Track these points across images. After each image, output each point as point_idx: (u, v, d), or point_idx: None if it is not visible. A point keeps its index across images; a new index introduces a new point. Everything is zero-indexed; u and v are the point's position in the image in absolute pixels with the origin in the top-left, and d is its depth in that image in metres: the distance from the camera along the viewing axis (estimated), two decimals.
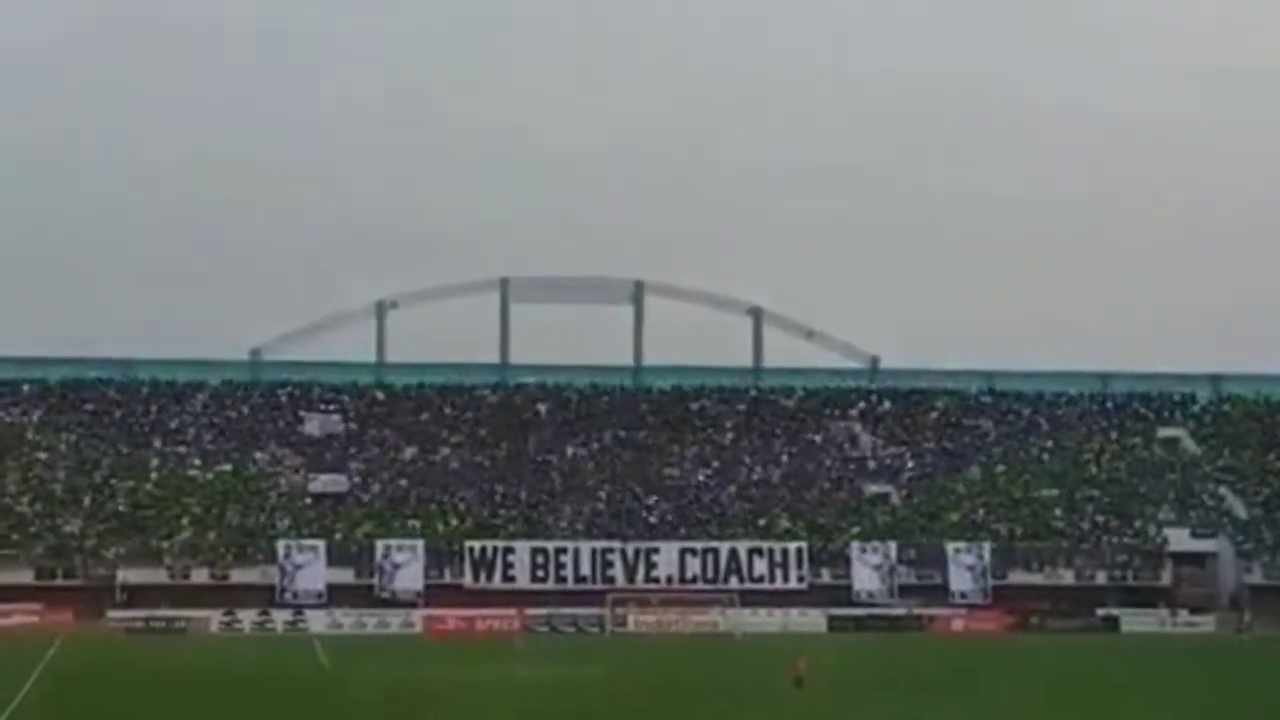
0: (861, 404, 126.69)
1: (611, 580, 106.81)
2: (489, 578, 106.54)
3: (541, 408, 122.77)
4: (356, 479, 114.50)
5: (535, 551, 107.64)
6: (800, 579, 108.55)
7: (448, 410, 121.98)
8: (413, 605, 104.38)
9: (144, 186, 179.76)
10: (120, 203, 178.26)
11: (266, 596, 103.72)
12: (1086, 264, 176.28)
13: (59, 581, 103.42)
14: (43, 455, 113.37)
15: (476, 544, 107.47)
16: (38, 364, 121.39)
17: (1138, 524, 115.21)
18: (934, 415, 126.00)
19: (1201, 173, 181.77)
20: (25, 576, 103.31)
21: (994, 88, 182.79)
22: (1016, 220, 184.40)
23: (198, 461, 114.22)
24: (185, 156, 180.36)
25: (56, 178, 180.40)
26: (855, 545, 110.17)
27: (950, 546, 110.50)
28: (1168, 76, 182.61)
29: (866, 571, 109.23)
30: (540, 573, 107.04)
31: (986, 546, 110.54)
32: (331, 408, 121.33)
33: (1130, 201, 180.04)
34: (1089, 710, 65.93)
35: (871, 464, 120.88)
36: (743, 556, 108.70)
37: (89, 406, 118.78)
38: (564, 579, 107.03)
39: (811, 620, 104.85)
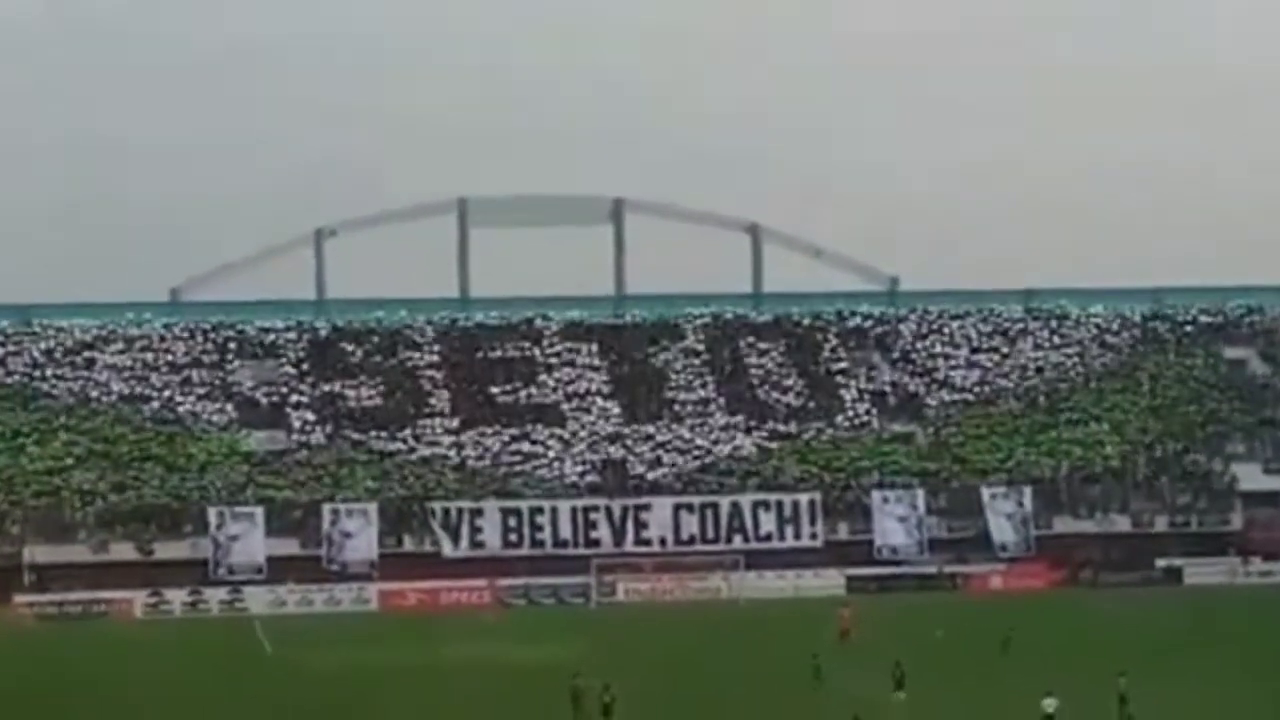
0: (880, 330, 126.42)
1: (596, 543, 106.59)
2: (454, 543, 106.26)
3: (509, 346, 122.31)
4: (297, 434, 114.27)
5: (507, 512, 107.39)
6: (814, 535, 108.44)
7: (400, 352, 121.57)
8: (366, 578, 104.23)
9: (37, 103, 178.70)
10: (16, 125, 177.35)
11: (198, 573, 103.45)
12: (1133, 168, 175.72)
13: None
14: None
15: (439, 505, 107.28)
16: None
17: (1202, 460, 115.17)
18: (963, 341, 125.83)
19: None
20: None
21: None
22: (1050, 116, 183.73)
23: (113, 420, 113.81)
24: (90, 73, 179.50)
25: None
26: (877, 494, 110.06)
27: (986, 492, 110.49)
28: None
29: (890, 524, 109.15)
30: (514, 536, 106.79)
31: (1028, 491, 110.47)
32: (265, 353, 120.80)
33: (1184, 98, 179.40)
34: (1152, 679, 65.94)
35: (893, 399, 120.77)
36: (747, 511, 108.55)
37: None
38: (541, 543, 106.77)
39: (828, 582, 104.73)
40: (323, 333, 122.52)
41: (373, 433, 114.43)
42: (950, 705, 66.05)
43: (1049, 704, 58.68)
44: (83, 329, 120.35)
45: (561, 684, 64.12)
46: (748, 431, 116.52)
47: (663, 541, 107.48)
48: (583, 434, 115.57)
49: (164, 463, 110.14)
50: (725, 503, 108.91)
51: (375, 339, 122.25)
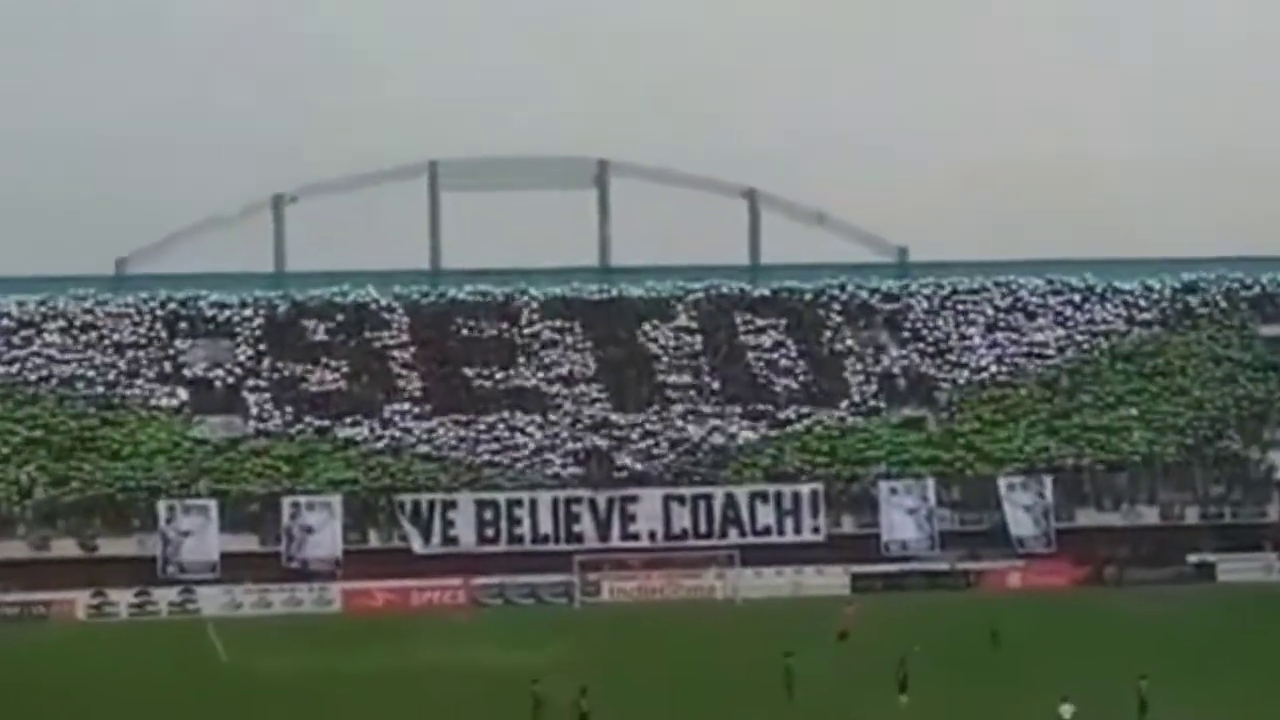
0: (888, 307, 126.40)
1: (579, 539, 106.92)
2: (425, 539, 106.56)
3: (485, 324, 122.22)
4: (254, 421, 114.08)
5: (483, 505, 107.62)
6: (816, 529, 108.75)
7: (366, 331, 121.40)
8: (330, 577, 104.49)
9: None
10: None
11: (146, 572, 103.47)
12: (1159, 134, 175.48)
13: None
14: None
15: (409, 498, 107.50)
16: None
17: (1236, 447, 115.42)
18: (979, 318, 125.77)
19: None
20: None
21: None
22: (1067, 73, 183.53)
23: (53, 405, 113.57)
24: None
25: None
26: (884, 485, 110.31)
27: (1003, 482, 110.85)
28: None
29: (899, 517, 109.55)
30: (490, 531, 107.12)
31: (1048, 481, 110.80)
32: (219, 332, 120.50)
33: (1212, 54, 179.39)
34: (1179, 683, 65.99)
35: (902, 382, 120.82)
36: (743, 503, 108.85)
37: None
38: (520, 538, 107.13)
39: (832, 580, 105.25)
40: (281, 309, 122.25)
41: (337, 419, 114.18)
42: (959, 711, 66.10)
43: (1066, 710, 59.61)
44: (19, 305, 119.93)
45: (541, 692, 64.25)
46: (744, 418, 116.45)
47: (652, 536, 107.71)
48: (565, 421, 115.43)
49: (108, 452, 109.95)
50: (720, 494, 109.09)
51: (339, 316, 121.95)
